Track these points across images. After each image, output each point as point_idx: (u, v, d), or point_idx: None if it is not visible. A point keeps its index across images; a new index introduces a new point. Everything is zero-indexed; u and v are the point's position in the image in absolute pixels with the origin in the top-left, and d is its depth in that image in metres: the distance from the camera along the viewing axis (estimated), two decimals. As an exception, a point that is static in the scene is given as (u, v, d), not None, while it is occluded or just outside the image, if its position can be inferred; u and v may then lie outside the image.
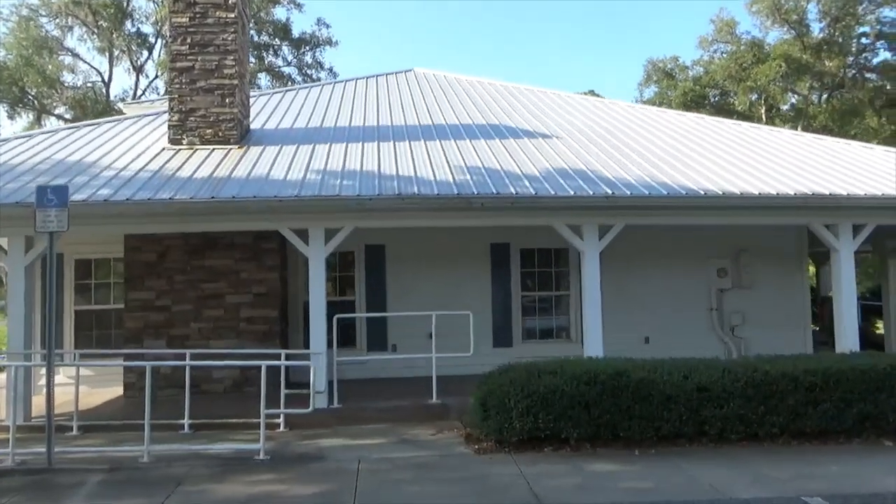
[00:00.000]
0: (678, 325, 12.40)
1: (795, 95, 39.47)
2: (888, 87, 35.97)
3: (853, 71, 37.93)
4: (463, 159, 10.62)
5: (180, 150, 10.80)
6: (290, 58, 36.78)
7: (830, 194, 9.48)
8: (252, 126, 12.38)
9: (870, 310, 14.76)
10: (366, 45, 74.16)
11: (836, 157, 11.81)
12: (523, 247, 12.34)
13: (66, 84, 33.79)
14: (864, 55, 37.69)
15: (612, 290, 11.98)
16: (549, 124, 13.30)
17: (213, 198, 8.56)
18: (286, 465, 7.22)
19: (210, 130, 10.97)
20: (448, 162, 10.45)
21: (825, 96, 39.10)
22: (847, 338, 9.91)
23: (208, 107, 10.98)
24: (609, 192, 9.19)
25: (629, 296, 12.26)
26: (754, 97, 37.56)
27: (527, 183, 9.50)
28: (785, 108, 39.41)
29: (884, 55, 36.48)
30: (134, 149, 10.86)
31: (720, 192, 9.35)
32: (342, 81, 17.10)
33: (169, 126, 11.06)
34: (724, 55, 38.17)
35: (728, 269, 12.56)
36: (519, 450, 7.54)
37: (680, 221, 9.82)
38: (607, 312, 12.15)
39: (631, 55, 66.27)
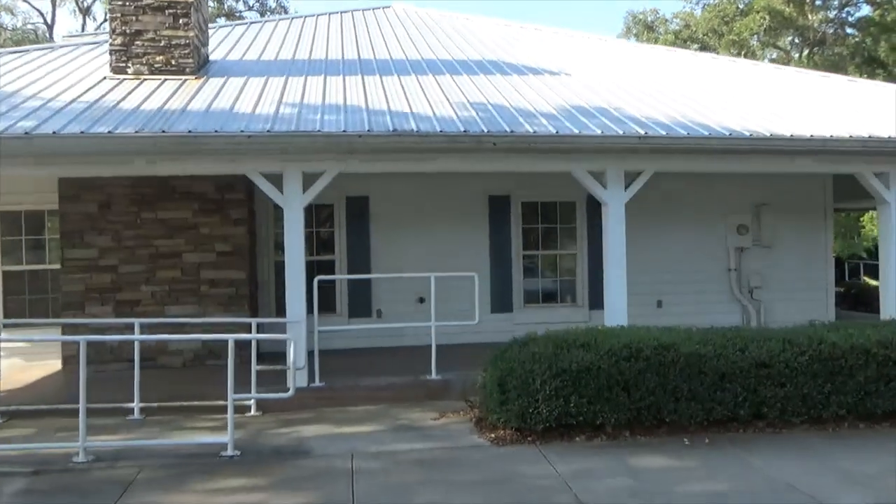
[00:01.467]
0: (693, 287, 11.21)
1: (776, 51, 38.45)
2: (867, 44, 35.12)
3: (835, 26, 36.98)
4: (464, 95, 9.08)
5: (125, 79, 9.03)
6: (251, 1, 34.27)
7: (889, 137, 8.22)
8: (212, 58, 10.61)
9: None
10: (331, -5, 70.81)
11: (872, 98, 10.57)
12: (526, 199, 10.93)
13: (3, 26, 30.89)
14: (846, 9, 36.73)
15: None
16: (554, 62, 11.78)
17: (163, 132, 6.90)
18: (261, 464, 5.79)
19: (161, 57, 9.20)
20: (447, 97, 8.90)
21: (806, 52, 38.14)
22: (893, 304, 8.78)
23: (158, 29, 9.19)
24: (641, 131, 7.79)
25: (640, 255, 10.92)
26: (734, 52, 36.40)
27: (543, 121, 8.03)
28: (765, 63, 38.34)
29: (865, 10, 35.54)
30: (68, 78, 9.06)
31: (767, 134, 8.02)
32: (312, 16, 15.22)
33: (111, 51, 9.26)
34: (707, 7, 36.83)
35: (749, 225, 11.35)
36: (545, 440, 6.24)
37: (716, 168, 8.49)
38: (617, 273, 10.93)
39: (611, 7, 64.56)
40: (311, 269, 10.34)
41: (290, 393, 6.06)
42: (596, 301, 10.94)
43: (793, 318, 11.44)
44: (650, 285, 11.01)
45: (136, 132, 6.85)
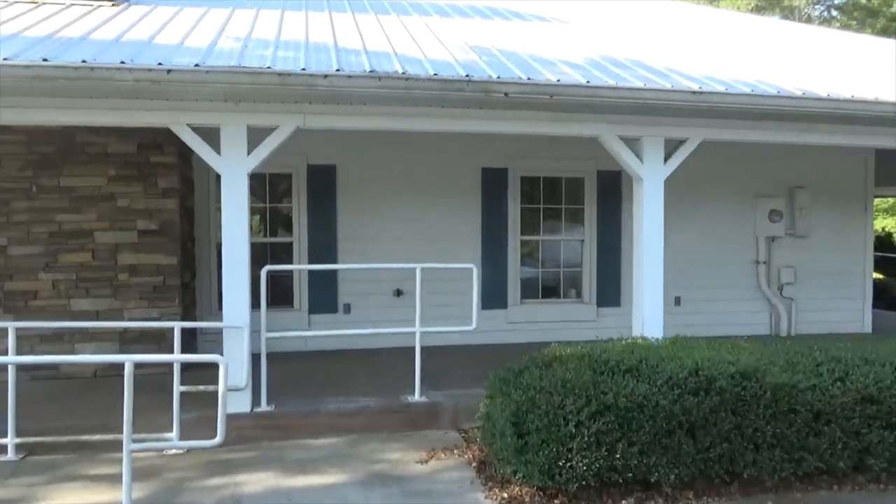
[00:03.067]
0: (716, 281, 9.58)
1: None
2: (852, 26, 33.94)
3: (821, 9, 35.81)
4: (461, 37, 7.17)
5: (16, 2, 6.90)
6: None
7: None
8: (141, -13, 8.48)
9: None
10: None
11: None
12: (526, 174, 9.10)
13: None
14: (833, -9, 35.48)
15: (628, 237, 9.05)
16: (567, 10, 9.90)
17: (45, 61, 4.86)
18: (172, 549, 3.91)
19: (67, -23, 7.09)
20: (438, 39, 6.99)
21: None
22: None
23: (64, -62, 7.06)
24: (695, 86, 6.00)
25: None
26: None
27: (566, 69, 6.19)
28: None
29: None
30: (-61, -3, 6.90)
31: (849, 96, 6.31)
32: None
33: (0, -34, 7.11)
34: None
35: (783, 211, 9.71)
36: (580, 502, 4.49)
37: (775, 138, 6.77)
38: (626, 265, 9.24)
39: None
40: (263, 254, 8.45)
41: (218, 440, 4.16)
42: (605, 297, 9.23)
43: (827, 321, 10.00)
44: (667, 279, 9.32)
45: (4, 60, 4.79)
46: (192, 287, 8.02)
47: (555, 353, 5.19)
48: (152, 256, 7.28)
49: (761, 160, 9.55)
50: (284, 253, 8.58)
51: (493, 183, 8.91)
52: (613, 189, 9.21)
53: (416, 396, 6.14)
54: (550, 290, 9.36)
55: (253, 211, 8.65)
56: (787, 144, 7.01)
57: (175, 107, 5.49)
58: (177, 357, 4.73)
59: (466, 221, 8.86)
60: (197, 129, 5.65)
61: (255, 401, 5.87)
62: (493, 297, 8.93)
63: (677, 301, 9.41)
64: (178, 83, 5.08)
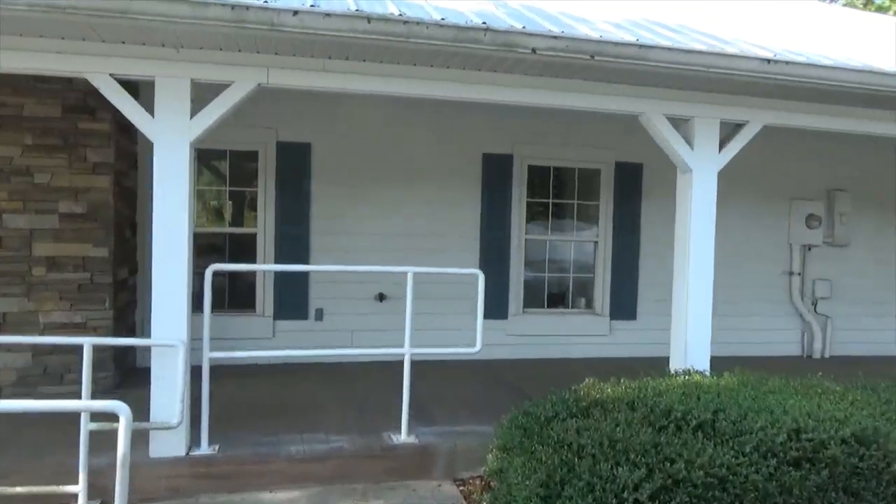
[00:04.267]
0: (742, 294, 8.40)
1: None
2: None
3: None
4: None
5: None
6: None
7: None
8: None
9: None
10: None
11: None
12: (535, 162, 7.81)
13: None
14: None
15: (649, 239, 7.87)
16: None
17: None
18: None
19: None
20: (442, -13, 5.65)
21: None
22: None
23: None
24: (768, 54, 4.73)
25: (672, 250, 8.08)
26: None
27: (608, 27, 4.90)
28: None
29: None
30: None
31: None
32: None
33: None
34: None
35: (822, 216, 8.54)
36: None
37: (857, 128, 5.54)
38: (645, 273, 8.02)
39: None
40: (220, 247, 7.07)
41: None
42: (619, 308, 7.99)
43: (866, 342, 8.86)
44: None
45: None
46: (130, 285, 6.62)
47: (592, 392, 3.91)
48: (77, 247, 5.86)
49: (798, 158, 8.38)
50: (247, 246, 7.20)
51: (495, 171, 7.60)
52: (633, 184, 7.96)
53: (403, 436, 4.82)
54: (557, 299, 8.09)
55: (209, 194, 7.30)
56: (874, 136, 5.78)
57: (93, 50, 4.10)
58: (48, 406, 3.22)
59: (464, 216, 7.55)
60: (129, 85, 4.27)
61: (193, 440, 4.51)
62: (492, 305, 7.58)
63: (700, 315, 8.19)
64: (91, 15, 3.69)
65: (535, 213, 7.94)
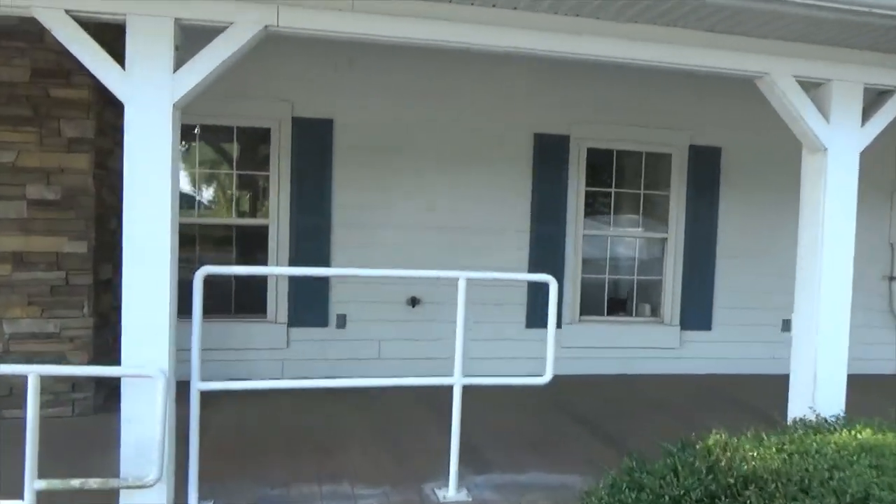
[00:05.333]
0: (835, 300, 7.14)
1: None
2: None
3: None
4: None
5: None
6: None
7: None
8: None
9: None
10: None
11: None
12: (595, 144, 6.64)
13: None
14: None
15: (727, 237, 6.72)
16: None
17: None
18: None
19: None
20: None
21: None
22: None
23: None
24: (945, -11, 3.53)
25: (755, 249, 6.91)
26: None
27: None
28: None
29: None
30: None
31: None
32: None
33: None
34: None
35: (930, 209, 7.29)
36: None
37: None
38: (722, 276, 6.85)
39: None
40: (228, 240, 6.03)
41: None
42: (691, 317, 6.82)
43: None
44: (767, 295, 6.94)
45: None
46: (115, 286, 5.56)
47: (730, 456, 2.77)
48: (50, 240, 4.81)
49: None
50: (257, 240, 6.14)
51: (549, 155, 6.45)
52: (710, 171, 6.77)
53: (452, 492, 3.72)
54: (618, 305, 6.94)
55: (211, 179, 6.24)
56: None
57: (39, -23, 3.02)
58: None
59: (511, 207, 6.42)
60: (99, 29, 3.19)
61: (179, 497, 3.44)
62: (543, 312, 6.46)
63: (785, 325, 6.99)
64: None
65: (595, 205, 6.78)
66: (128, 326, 3.23)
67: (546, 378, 3.82)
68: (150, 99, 3.16)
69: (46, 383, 4.84)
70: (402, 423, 4.90)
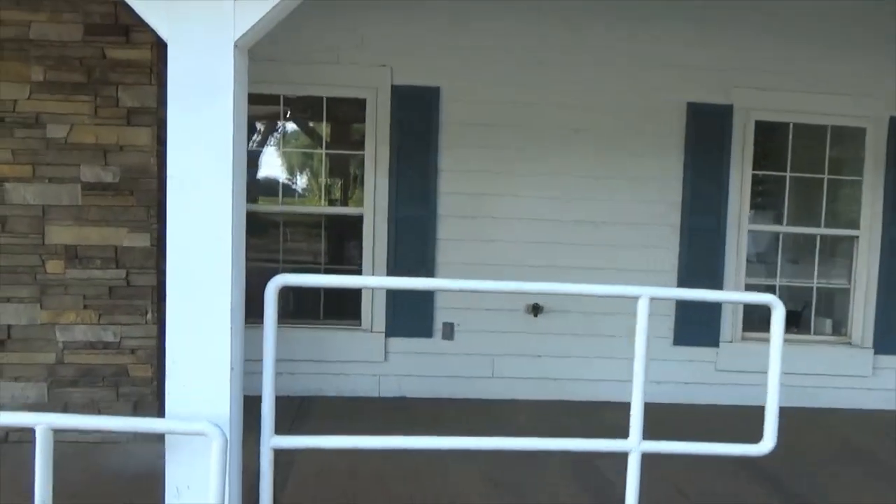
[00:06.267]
0: None
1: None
2: None
3: None
4: None
5: None
6: None
7: None
8: None
9: None
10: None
11: None
12: (764, 116, 5.28)
13: None
14: None
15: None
16: None
17: None
18: None
19: None
20: None
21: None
22: None
23: None
24: None
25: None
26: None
27: None
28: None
29: None
30: None
31: None
32: None
33: None
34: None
35: None
36: None
37: None
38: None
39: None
40: (315, 232, 5.12)
41: None
42: (889, 337, 5.35)
43: None
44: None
45: None
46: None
47: None
48: (107, 232, 4.01)
49: None
50: (350, 233, 5.20)
51: (706, 130, 5.16)
52: (919, 150, 5.28)
53: None
54: (790, 319, 5.55)
55: (296, 159, 5.35)
56: None
57: None
58: None
59: (657, 195, 5.18)
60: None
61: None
62: (695, 326, 5.22)
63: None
64: None
65: (763, 193, 5.44)
66: (172, 362, 2.28)
67: (766, 447, 2.62)
68: (202, 34, 2.18)
69: (106, 403, 4.11)
70: (536, 475, 3.79)
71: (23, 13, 3.83)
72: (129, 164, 3.96)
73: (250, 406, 2.41)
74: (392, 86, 5.01)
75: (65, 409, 4.08)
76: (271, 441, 2.40)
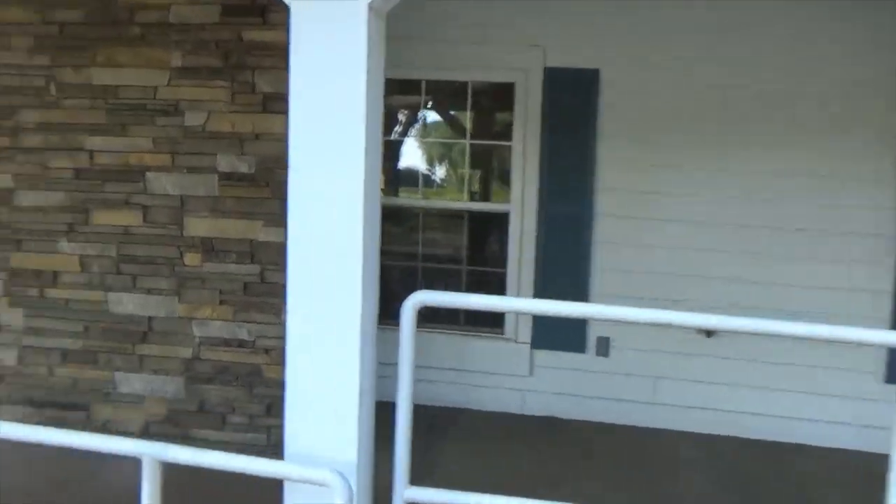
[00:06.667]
0: None
1: None
2: None
3: None
4: None
5: None
6: None
7: None
8: None
9: None
10: None
11: None
12: None
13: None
14: None
15: None
16: None
17: None
18: None
19: None
20: None
21: None
22: None
23: None
24: None
25: None
26: None
27: None
28: None
29: None
30: None
31: None
32: None
33: None
34: None
35: None
36: None
37: None
38: None
39: None
40: (455, 231, 4.71)
41: None
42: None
43: None
44: None
45: None
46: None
47: None
48: (242, 225, 3.81)
49: None
50: (495, 229, 4.74)
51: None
52: None
53: None
54: None
55: (437, 149, 4.97)
56: None
57: None
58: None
59: (862, 198, 4.25)
60: None
61: None
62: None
63: None
64: None
65: None
66: (292, 389, 1.93)
67: None
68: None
69: (240, 403, 3.94)
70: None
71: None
72: (265, 153, 3.73)
73: (380, 413, 2.01)
74: (544, 68, 4.46)
75: (200, 406, 3.96)
76: (405, 492, 1.97)
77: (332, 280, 1.86)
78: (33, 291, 3.99)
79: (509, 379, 4.48)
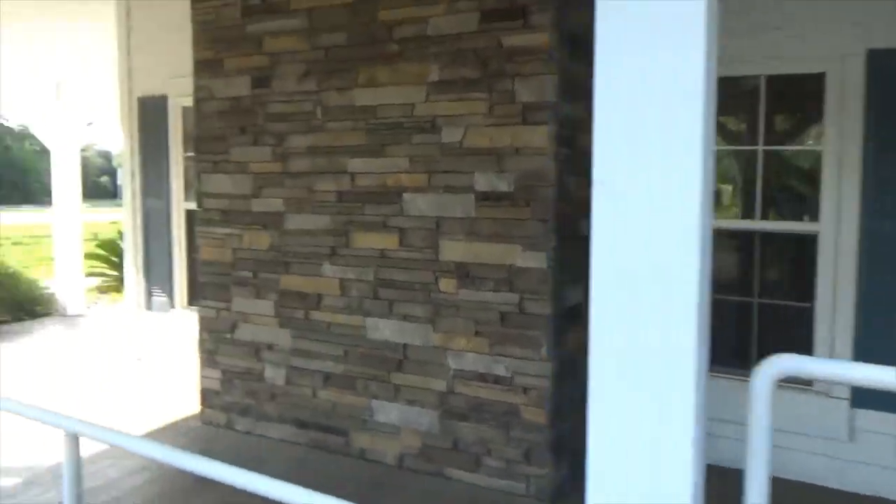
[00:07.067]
0: None
1: None
2: None
3: None
4: None
5: None
6: None
7: None
8: None
9: None
10: None
11: None
12: None
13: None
14: None
15: None
16: None
17: None
18: None
19: None
20: None
21: None
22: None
23: None
24: None
25: None
26: None
27: None
28: None
29: None
30: None
31: None
32: None
33: None
34: None
35: None
36: None
37: None
38: None
39: None
40: (747, 244, 3.94)
41: None
42: None
43: None
44: None
45: None
46: (584, 319, 3.98)
47: None
48: (499, 249, 3.46)
49: None
50: (794, 253, 3.86)
51: None
52: None
53: None
54: None
55: (720, 156, 4.24)
56: None
57: None
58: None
59: None
60: None
61: None
62: None
63: None
64: None
65: None
66: (596, 436, 1.44)
67: None
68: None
69: (496, 446, 3.58)
70: None
71: (421, 9, 3.52)
72: (525, 169, 3.35)
73: None
74: (868, 51, 3.52)
75: (454, 444, 3.69)
76: None
77: (658, 312, 1.34)
78: (299, 313, 4.06)
79: (820, 443, 3.56)
